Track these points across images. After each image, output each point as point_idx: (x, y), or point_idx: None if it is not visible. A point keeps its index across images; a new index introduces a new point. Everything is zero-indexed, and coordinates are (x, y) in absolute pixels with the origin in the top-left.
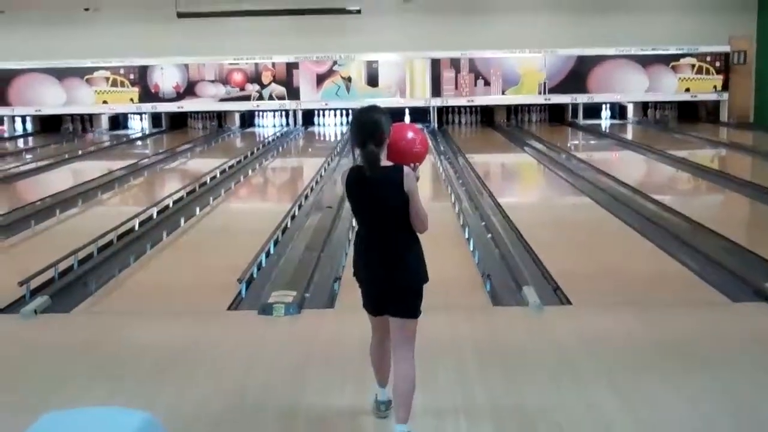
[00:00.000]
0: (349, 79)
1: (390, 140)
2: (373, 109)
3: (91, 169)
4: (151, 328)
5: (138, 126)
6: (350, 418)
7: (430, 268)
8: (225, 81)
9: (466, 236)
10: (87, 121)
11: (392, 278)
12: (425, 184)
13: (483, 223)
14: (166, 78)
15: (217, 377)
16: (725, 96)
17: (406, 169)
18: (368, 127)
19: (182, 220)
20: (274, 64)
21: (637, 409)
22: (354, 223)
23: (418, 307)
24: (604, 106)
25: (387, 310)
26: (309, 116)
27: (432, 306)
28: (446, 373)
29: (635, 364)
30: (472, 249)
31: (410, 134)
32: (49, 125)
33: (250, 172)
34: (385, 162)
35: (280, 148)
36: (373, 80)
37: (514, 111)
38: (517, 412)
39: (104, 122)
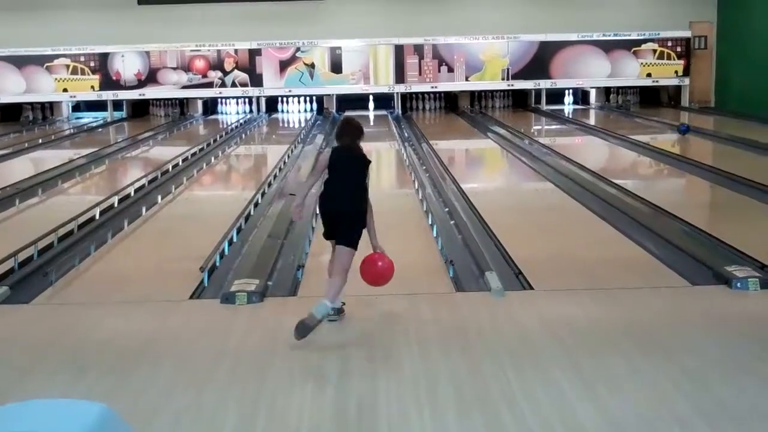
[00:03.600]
0: (312, 66)
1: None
2: (355, 120)
3: (52, 157)
4: (113, 319)
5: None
6: (313, 406)
7: (394, 254)
8: (187, 68)
9: (430, 222)
10: (47, 109)
11: (343, 214)
12: (389, 170)
13: (446, 210)
14: (128, 65)
15: (180, 367)
16: (686, 81)
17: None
18: (358, 129)
19: (144, 209)
20: (236, 51)
21: (599, 393)
22: (317, 209)
23: (355, 240)
24: (567, 91)
25: (335, 237)
26: (272, 103)
27: (395, 291)
28: (410, 358)
29: (597, 349)
30: (435, 235)
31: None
32: (8, 114)
33: (212, 159)
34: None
35: (244, 135)
36: (336, 67)
37: (477, 97)
38: (481, 397)
39: (65, 110)
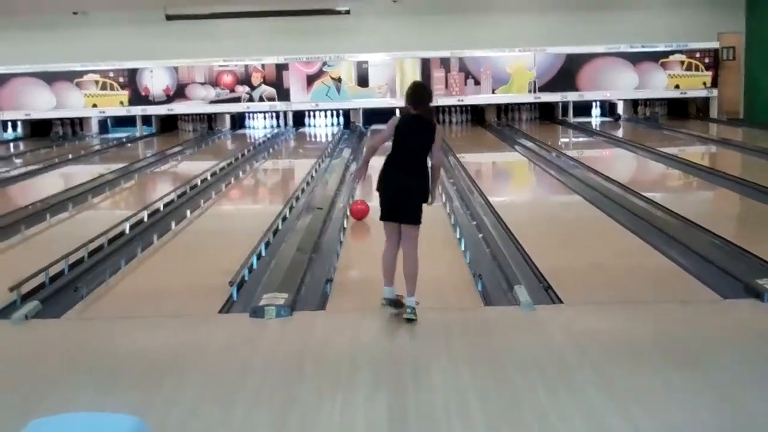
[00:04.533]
0: (339, 80)
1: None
2: (421, 84)
3: (82, 173)
4: (142, 333)
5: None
6: (342, 421)
7: (422, 267)
8: (215, 83)
9: (458, 236)
10: (77, 124)
11: (410, 190)
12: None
13: (474, 223)
14: (156, 80)
15: (209, 381)
16: (715, 92)
17: (438, 126)
18: (429, 93)
19: (173, 224)
20: (263, 66)
21: (631, 409)
22: (345, 224)
23: (421, 215)
24: (594, 104)
25: (399, 217)
26: (299, 117)
27: (424, 305)
28: (439, 373)
29: (628, 364)
30: (463, 249)
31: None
32: (38, 129)
33: (240, 174)
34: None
35: (271, 150)
36: (363, 81)
37: (504, 110)
38: (511, 412)
39: (94, 126)
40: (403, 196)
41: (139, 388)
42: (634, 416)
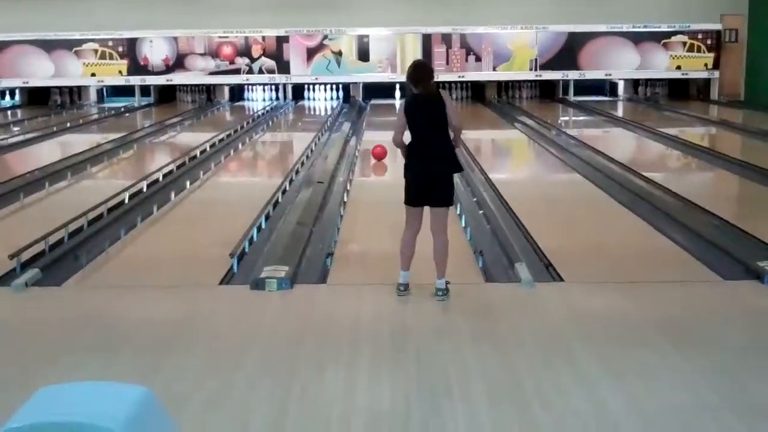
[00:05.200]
0: (339, 54)
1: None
2: (422, 61)
3: (80, 141)
4: (144, 303)
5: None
6: (345, 395)
7: (422, 243)
8: (215, 54)
9: (458, 212)
10: (75, 93)
11: (439, 177)
12: None
13: (474, 199)
14: (156, 51)
15: (212, 353)
16: (716, 74)
17: (443, 92)
18: (429, 70)
19: (173, 194)
20: (264, 38)
21: (631, 386)
22: (345, 198)
23: (452, 196)
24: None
25: (429, 200)
26: (299, 90)
27: (425, 281)
28: (440, 348)
29: (628, 342)
30: (464, 225)
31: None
32: (36, 97)
33: (240, 146)
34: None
35: (270, 123)
36: (363, 55)
37: (504, 87)
38: (511, 388)
39: (92, 95)
40: (433, 183)
41: (142, 358)
42: (634, 393)
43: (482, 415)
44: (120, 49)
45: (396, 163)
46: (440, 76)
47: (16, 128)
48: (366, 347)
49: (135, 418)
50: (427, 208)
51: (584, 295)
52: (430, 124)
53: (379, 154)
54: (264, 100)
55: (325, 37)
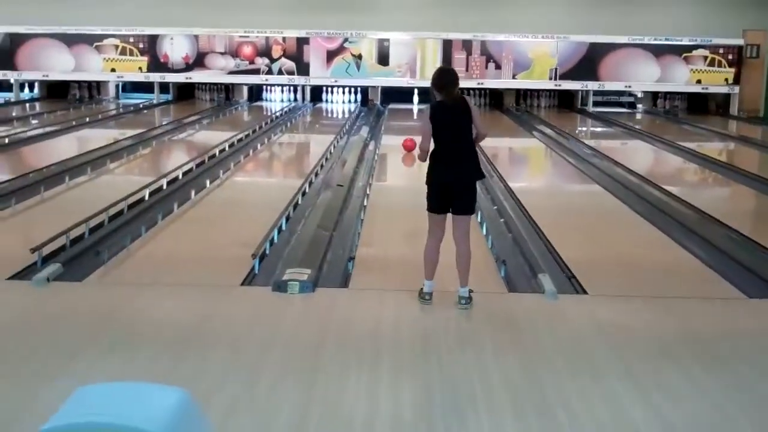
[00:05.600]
0: (359, 57)
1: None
2: (447, 67)
3: (99, 137)
4: (165, 301)
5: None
6: (368, 400)
7: (443, 250)
8: (235, 54)
9: (479, 219)
10: (94, 88)
11: (463, 184)
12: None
13: (495, 207)
14: (176, 48)
15: (234, 354)
16: (736, 90)
17: (468, 99)
18: (454, 77)
19: (192, 193)
20: (284, 39)
21: (655, 402)
22: (365, 202)
23: (474, 204)
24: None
25: (452, 208)
26: (317, 92)
27: (447, 288)
28: (464, 358)
29: (653, 357)
30: (485, 233)
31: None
32: (56, 91)
33: (259, 146)
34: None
35: (288, 124)
36: (383, 59)
37: (523, 96)
38: (537, 400)
39: (111, 90)
40: (457, 190)
41: (164, 357)
42: (659, 408)
43: (507, 427)
44: (141, 45)
45: (414, 168)
46: (459, 83)
47: (34, 121)
48: (388, 354)
49: (176, 420)
50: (449, 216)
51: (609, 309)
52: (456, 132)
53: (410, 147)
54: (282, 101)
55: (346, 39)
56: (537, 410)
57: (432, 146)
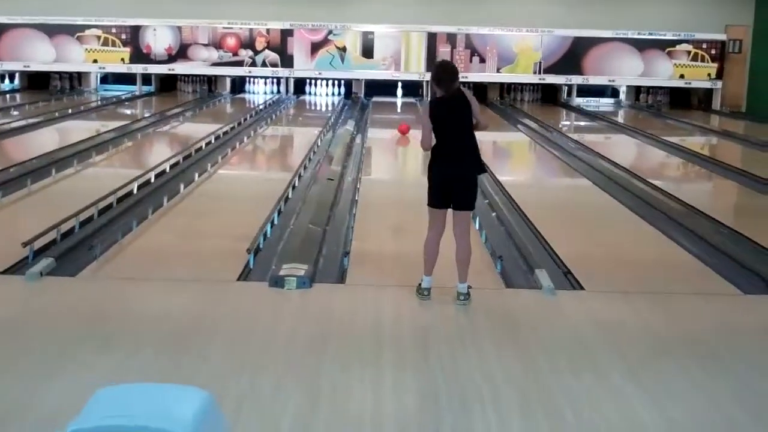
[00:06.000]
0: (343, 49)
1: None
2: (447, 61)
3: (82, 128)
4: (162, 297)
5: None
6: (373, 396)
7: (444, 247)
8: (218, 45)
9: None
10: (75, 79)
11: (463, 179)
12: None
13: (486, 201)
14: (159, 39)
15: (233, 351)
16: (719, 84)
17: (467, 92)
18: (454, 71)
19: (182, 186)
20: (268, 31)
21: (658, 398)
22: (357, 196)
23: (475, 202)
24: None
25: (452, 203)
26: (301, 85)
27: (446, 284)
28: (466, 355)
29: (652, 354)
30: (478, 227)
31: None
32: (37, 82)
33: (245, 139)
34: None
35: (273, 116)
36: (368, 52)
37: (507, 89)
38: (543, 398)
39: (93, 81)
40: (457, 185)
41: (163, 354)
42: (662, 405)
43: (514, 423)
44: (123, 36)
45: (400, 161)
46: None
47: (15, 113)
48: (389, 350)
49: (201, 422)
50: (449, 212)
51: (606, 305)
52: (456, 128)
53: (404, 130)
54: (265, 93)
55: (330, 32)
56: (543, 407)
57: (433, 141)
